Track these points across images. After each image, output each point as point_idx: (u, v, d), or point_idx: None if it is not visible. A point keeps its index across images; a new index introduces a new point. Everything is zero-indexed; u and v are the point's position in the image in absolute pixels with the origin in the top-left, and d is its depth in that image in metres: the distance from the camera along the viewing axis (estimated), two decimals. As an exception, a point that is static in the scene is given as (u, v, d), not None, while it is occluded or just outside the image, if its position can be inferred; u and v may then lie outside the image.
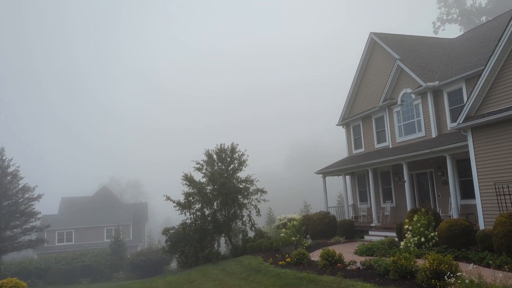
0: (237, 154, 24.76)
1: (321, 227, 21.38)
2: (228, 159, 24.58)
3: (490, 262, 10.17)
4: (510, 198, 12.24)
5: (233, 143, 24.92)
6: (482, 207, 13.41)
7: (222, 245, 25.99)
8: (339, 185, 27.29)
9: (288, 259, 14.97)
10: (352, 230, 20.88)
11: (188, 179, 23.73)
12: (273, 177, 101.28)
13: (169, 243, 23.72)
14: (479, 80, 13.35)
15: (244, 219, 24.16)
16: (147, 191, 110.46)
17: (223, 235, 24.45)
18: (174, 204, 23.48)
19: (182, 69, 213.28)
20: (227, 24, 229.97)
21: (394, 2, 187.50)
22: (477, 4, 52.63)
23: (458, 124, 14.00)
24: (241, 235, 24.42)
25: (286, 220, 24.45)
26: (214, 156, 24.56)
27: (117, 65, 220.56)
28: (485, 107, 13.42)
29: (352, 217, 24.19)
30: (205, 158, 24.54)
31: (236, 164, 24.65)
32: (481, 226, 13.38)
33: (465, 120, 13.81)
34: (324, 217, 21.86)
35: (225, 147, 24.77)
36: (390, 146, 21.97)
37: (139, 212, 62.26)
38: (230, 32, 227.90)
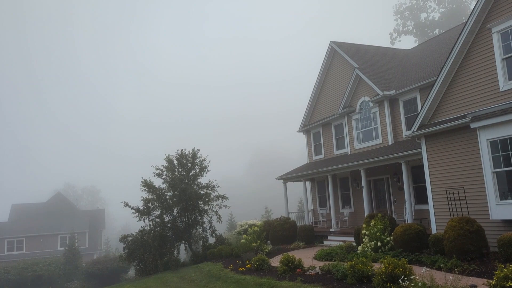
0: (198, 160, 24.56)
1: (282, 233, 21.53)
2: (189, 164, 24.32)
3: (442, 265, 10.59)
4: (460, 203, 12.83)
5: (194, 149, 24.70)
6: (434, 212, 13.97)
7: (182, 252, 25.61)
8: (299, 190, 27.58)
9: (248, 265, 14.95)
10: (312, 235, 21.16)
11: (148, 185, 23.26)
12: (234, 182, 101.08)
13: (127, 251, 23.06)
14: (432, 90, 13.94)
15: (204, 225, 23.96)
16: (105, 197, 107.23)
17: (183, 241, 24.10)
18: (133, 211, 22.92)
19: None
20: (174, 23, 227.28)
21: (353, 12, 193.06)
22: (431, 17, 55.21)
23: (413, 132, 14.55)
24: (201, 241, 24.19)
25: (247, 226, 24.44)
26: (175, 162, 24.23)
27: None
28: (437, 116, 14.03)
29: (312, 222, 24.52)
30: (165, 163, 24.16)
31: (197, 170, 24.43)
32: (434, 230, 13.93)
33: (419, 128, 14.37)
34: (284, 222, 22.02)
35: (186, 153, 24.50)
36: (349, 153, 22.50)
37: (95, 219, 60.23)
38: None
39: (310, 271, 12.37)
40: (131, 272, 34.91)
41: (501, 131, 11.36)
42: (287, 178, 25.61)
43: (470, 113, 12.28)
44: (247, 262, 15.50)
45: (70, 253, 40.87)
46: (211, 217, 23.95)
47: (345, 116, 22.84)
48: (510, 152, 11.21)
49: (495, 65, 12.05)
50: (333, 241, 19.55)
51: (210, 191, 24.18)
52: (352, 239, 17.47)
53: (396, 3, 57.82)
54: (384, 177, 20.46)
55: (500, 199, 11.52)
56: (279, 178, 26.42)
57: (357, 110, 21.90)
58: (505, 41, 11.83)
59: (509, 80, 11.71)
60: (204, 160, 24.54)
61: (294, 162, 44.21)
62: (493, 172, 11.63)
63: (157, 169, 23.85)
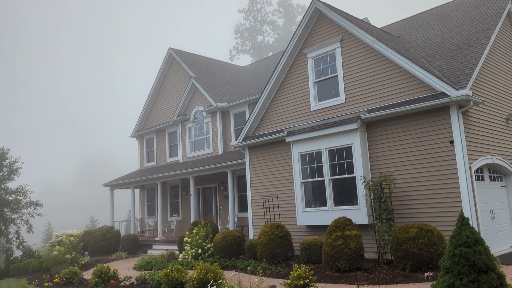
0: (7, 161, 21.33)
1: (103, 243, 20.10)
2: (-5, 166, 20.90)
3: (251, 268, 11.22)
4: (274, 211, 13.90)
5: (3, 148, 21.37)
6: (252, 219, 14.83)
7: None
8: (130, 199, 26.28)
9: (56, 279, 13.45)
10: (136, 245, 20.30)
11: None
12: (59, 190, 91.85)
13: None
14: (256, 105, 14.91)
15: (10, 236, 20.79)
16: None
17: (-20, 256, 20.44)
18: None
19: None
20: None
21: (196, 23, 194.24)
22: (266, 41, 60.24)
23: (238, 142, 15.28)
24: (5, 255, 20.85)
25: (64, 236, 22.03)
26: (-25, 162, 20.53)
27: None
28: (260, 129, 15.05)
29: (138, 231, 23.56)
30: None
31: (6, 173, 21.17)
32: (251, 236, 14.75)
33: (244, 139, 15.17)
34: (107, 232, 20.64)
35: (-8, 152, 21.01)
36: (181, 161, 22.46)
37: None
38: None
39: (125, 281, 11.71)
40: None
41: (309, 146, 12.75)
42: (115, 185, 24.14)
43: (287, 128, 13.50)
44: (56, 276, 13.89)
45: None
46: (19, 227, 20.94)
47: (180, 124, 22.81)
48: (315, 165, 12.65)
49: (309, 87, 13.54)
50: (158, 250, 19.06)
51: (21, 197, 21.20)
52: (176, 247, 17.32)
53: (237, 23, 61.38)
54: (213, 186, 20.99)
55: (306, 207, 12.86)
56: (105, 185, 24.70)
57: (191, 119, 22.10)
58: (317, 66, 13.42)
59: (318, 101, 13.28)
60: (15, 161, 21.45)
61: (127, 168, 42.18)
62: (302, 182, 12.95)
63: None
